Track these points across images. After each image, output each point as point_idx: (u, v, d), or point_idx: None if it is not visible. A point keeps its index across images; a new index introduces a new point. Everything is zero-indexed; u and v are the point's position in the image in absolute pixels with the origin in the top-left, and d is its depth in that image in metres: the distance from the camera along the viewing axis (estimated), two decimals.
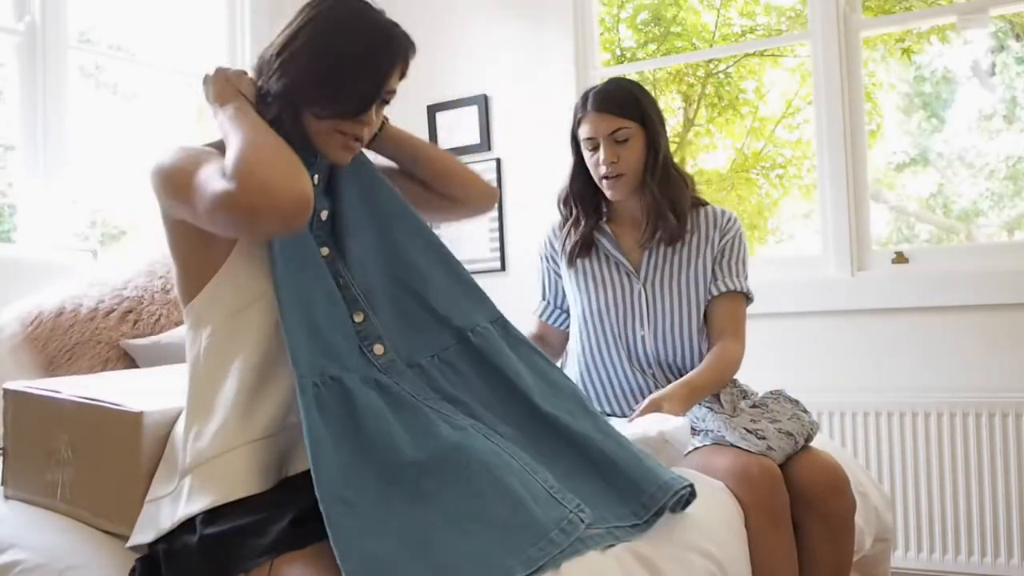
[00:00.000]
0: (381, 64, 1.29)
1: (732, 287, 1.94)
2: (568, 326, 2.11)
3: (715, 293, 1.94)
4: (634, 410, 1.91)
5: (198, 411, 1.24)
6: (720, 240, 1.96)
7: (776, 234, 4.26)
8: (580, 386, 2.02)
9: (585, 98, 1.95)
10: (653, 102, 1.97)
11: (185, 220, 1.24)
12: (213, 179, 1.14)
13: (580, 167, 2.00)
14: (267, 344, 1.25)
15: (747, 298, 1.97)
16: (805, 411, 1.82)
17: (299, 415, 1.20)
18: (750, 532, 1.60)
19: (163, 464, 1.26)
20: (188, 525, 1.16)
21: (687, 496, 1.36)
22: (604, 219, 2.03)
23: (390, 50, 1.30)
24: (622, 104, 1.91)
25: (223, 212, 1.12)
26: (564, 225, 2.05)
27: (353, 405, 1.21)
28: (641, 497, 1.30)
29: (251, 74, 1.36)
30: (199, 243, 1.27)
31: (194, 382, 1.27)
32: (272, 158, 1.15)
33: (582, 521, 1.20)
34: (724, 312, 1.94)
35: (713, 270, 1.96)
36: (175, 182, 1.21)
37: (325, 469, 1.11)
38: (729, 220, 1.98)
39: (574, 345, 2.06)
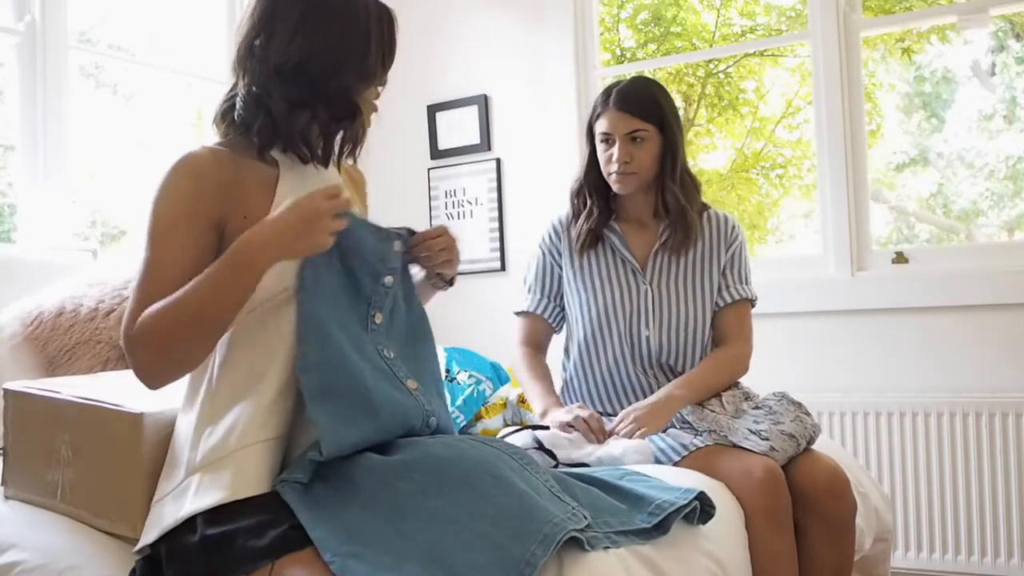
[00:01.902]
0: (384, 15, 1.36)
1: (741, 295, 1.99)
2: (559, 323, 2.10)
3: (726, 301, 1.98)
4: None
5: (213, 409, 1.24)
6: (727, 251, 2.00)
7: (776, 234, 4.26)
8: (576, 384, 2.02)
9: (607, 94, 1.97)
10: (673, 106, 1.99)
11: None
12: (133, 298, 1.20)
13: (594, 159, 2.01)
14: (289, 342, 1.25)
15: (752, 302, 2.02)
16: (807, 414, 1.82)
17: (306, 417, 1.23)
18: (751, 533, 1.60)
19: (166, 465, 1.26)
20: (190, 525, 1.16)
21: (699, 509, 1.36)
22: (613, 216, 2.03)
23: (379, 4, 1.37)
24: (643, 106, 1.93)
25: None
26: (576, 217, 2.05)
27: (350, 474, 1.20)
28: (647, 508, 1.30)
29: (242, 85, 1.33)
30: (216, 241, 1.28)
31: (209, 380, 1.26)
32: (182, 343, 1.18)
33: (584, 518, 1.20)
34: (731, 318, 1.99)
35: (720, 281, 1.99)
36: (145, 242, 1.24)
37: (325, 534, 1.12)
38: (733, 229, 2.03)
39: (571, 342, 2.06)
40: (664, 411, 1.80)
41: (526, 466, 1.26)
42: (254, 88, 1.30)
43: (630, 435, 1.73)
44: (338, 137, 1.36)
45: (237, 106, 1.32)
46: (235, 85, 1.34)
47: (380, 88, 1.40)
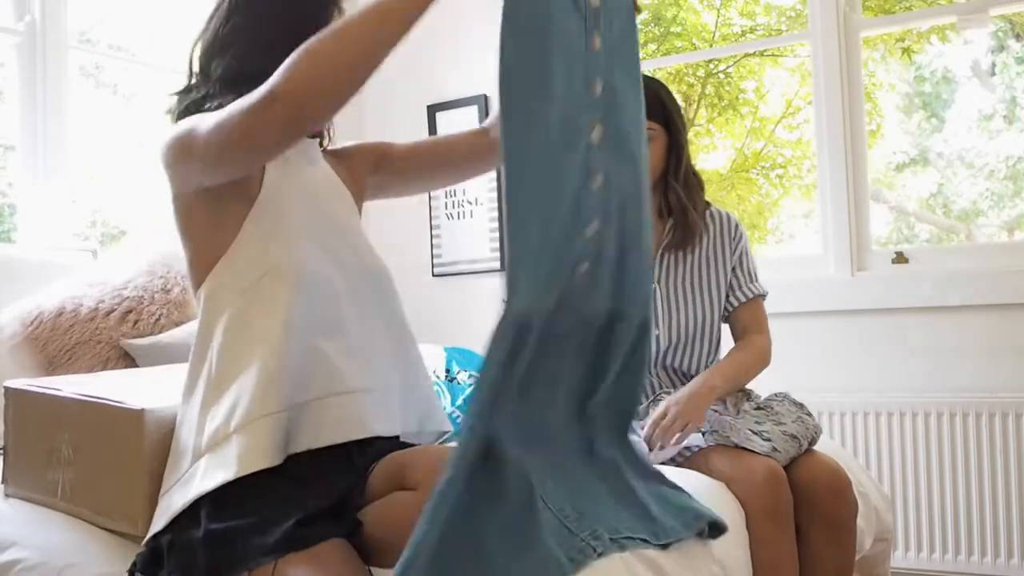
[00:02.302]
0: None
1: (754, 292, 2.01)
2: None
3: (740, 301, 2.00)
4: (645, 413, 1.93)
5: (215, 393, 1.24)
6: (735, 252, 2.01)
7: (776, 234, 4.27)
8: None
9: None
10: (676, 104, 1.99)
11: (197, 197, 1.27)
12: (244, 98, 1.12)
13: None
14: (284, 317, 1.24)
15: (763, 296, 2.04)
16: (809, 415, 1.82)
17: (307, 394, 1.23)
18: (752, 533, 1.60)
19: (171, 456, 1.26)
20: (194, 518, 1.16)
21: (707, 529, 1.36)
22: None
23: None
24: (648, 105, 1.91)
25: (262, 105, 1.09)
26: None
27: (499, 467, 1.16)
28: (654, 527, 1.30)
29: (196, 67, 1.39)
30: (211, 221, 1.29)
31: (208, 366, 1.26)
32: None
33: (594, 551, 1.19)
34: (748, 315, 2.01)
35: (731, 281, 2.00)
36: (184, 135, 1.22)
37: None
38: (736, 228, 2.04)
39: None
40: (705, 400, 1.77)
41: (542, 495, 1.23)
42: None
43: (681, 440, 1.71)
44: None
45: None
46: None
47: None
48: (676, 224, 1.96)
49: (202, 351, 1.28)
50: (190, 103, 1.36)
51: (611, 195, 1.23)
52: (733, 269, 2.01)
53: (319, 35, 1.09)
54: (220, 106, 1.23)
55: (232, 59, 1.32)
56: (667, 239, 1.98)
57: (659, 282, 1.97)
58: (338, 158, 1.54)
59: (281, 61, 1.17)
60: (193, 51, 1.38)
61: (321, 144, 1.50)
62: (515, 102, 1.10)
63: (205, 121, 1.19)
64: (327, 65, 1.08)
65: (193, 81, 1.38)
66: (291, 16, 1.32)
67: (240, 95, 1.16)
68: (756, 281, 2.03)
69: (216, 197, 1.28)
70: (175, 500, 1.19)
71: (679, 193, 1.94)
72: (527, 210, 1.09)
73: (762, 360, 1.97)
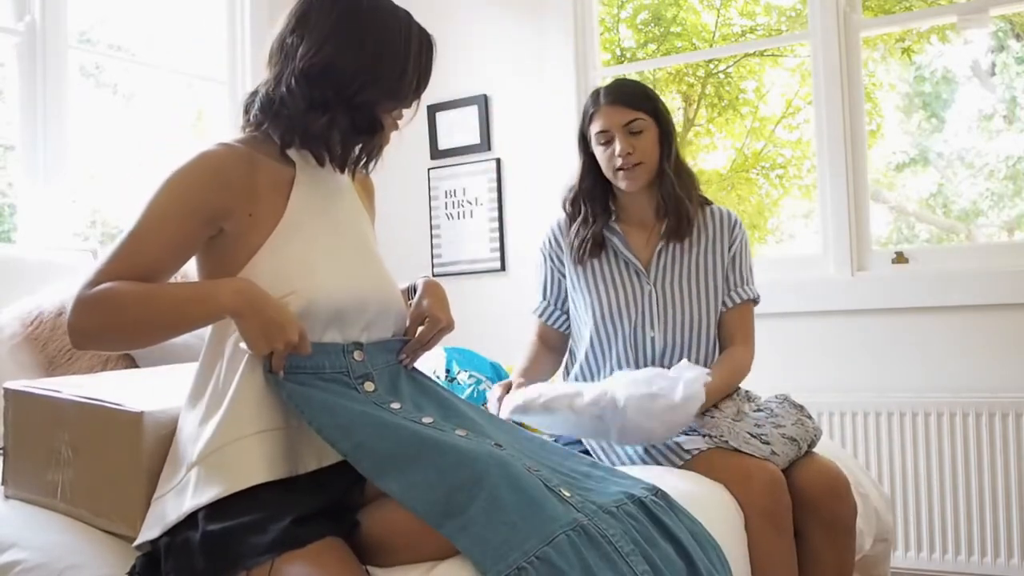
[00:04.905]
0: (425, 41, 1.44)
1: (746, 296, 1.97)
2: (567, 328, 2.09)
3: (730, 305, 1.96)
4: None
5: (217, 404, 1.24)
6: (731, 248, 1.98)
7: (776, 234, 4.26)
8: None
9: (596, 94, 1.97)
10: (661, 99, 1.99)
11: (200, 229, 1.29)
12: (104, 260, 1.23)
13: (589, 166, 2.00)
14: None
15: (755, 301, 2.00)
16: (809, 417, 1.82)
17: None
18: (751, 534, 1.60)
19: (168, 462, 1.27)
20: (191, 520, 1.16)
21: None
22: (613, 218, 2.02)
23: (423, 30, 1.45)
24: (634, 97, 1.93)
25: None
26: (573, 224, 2.02)
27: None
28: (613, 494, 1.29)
29: (264, 80, 1.35)
30: (218, 247, 1.30)
31: (216, 377, 1.27)
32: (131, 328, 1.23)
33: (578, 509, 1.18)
34: (735, 320, 1.96)
35: (726, 279, 1.97)
36: (141, 211, 1.26)
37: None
38: (735, 226, 2.00)
39: (578, 346, 2.05)
40: None
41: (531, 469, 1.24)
42: (278, 85, 1.32)
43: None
44: (357, 148, 1.37)
45: (255, 103, 1.34)
46: (267, 80, 1.36)
47: (406, 111, 1.42)
48: (670, 213, 1.93)
49: (212, 360, 1.29)
50: (251, 99, 1.36)
51: None
52: (727, 269, 1.96)
53: (131, 290, 1.19)
54: (270, 100, 1.30)
55: (331, 88, 1.30)
56: (663, 230, 1.95)
57: (655, 284, 1.95)
58: (364, 188, 1.56)
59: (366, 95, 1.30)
60: (281, 65, 1.33)
61: (356, 170, 1.46)
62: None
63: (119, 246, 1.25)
64: (116, 324, 1.21)
65: (280, 98, 1.32)
66: (358, 38, 1.33)
67: (327, 128, 1.30)
68: (749, 285, 1.98)
69: (226, 220, 1.29)
70: (169, 509, 1.19)
71: (673, 182, 1.93)
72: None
73: (740, 377, 1.92)
